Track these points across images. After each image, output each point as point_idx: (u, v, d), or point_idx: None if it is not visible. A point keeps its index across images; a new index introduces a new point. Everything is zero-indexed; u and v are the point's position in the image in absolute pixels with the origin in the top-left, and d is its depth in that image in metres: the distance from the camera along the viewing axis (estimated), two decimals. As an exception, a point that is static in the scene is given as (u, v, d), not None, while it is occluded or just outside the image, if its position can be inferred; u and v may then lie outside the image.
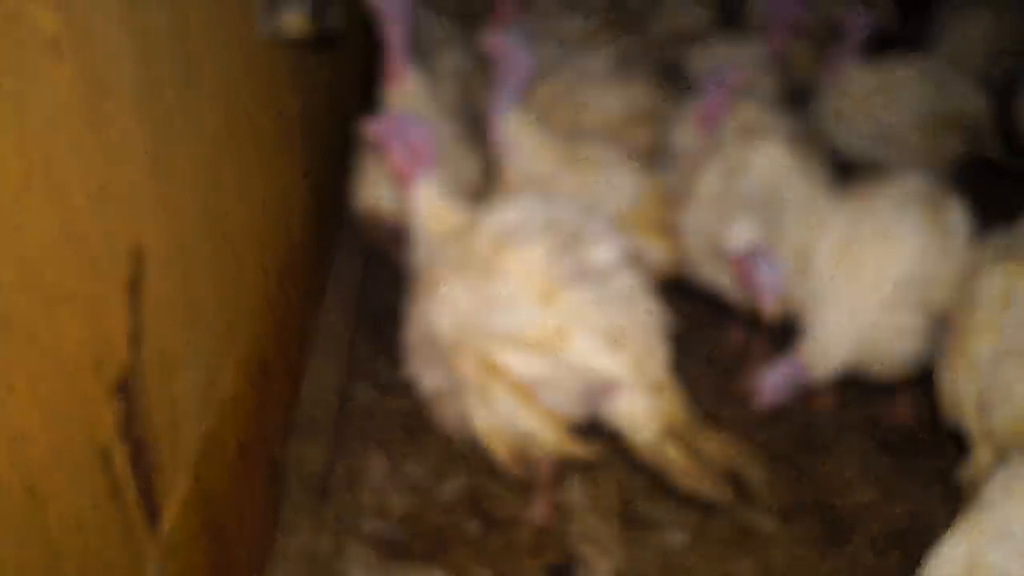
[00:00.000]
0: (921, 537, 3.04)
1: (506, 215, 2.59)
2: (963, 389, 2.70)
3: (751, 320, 3.50)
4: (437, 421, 2.83)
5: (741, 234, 3.03)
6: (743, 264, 3.02)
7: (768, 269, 2.96)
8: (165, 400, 1.86)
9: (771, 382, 3.04)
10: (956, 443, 3.45)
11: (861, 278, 3.05)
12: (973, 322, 2.72)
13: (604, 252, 2.51)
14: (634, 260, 2.60)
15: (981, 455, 2.64)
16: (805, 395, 3.72)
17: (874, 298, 3.03)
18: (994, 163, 4.62)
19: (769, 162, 3.25)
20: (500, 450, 2.60)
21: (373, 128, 2.86)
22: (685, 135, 3.83)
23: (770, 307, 2.97)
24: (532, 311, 2.43)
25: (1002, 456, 2.55)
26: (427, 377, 2.75)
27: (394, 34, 3.52)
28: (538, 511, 2.91)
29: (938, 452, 3.47)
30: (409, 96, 3.60)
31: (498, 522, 2.85)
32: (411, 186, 2.81)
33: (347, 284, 4.32)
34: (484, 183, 3.85)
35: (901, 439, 3.54)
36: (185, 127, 2.17)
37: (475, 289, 2.49)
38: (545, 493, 2.92)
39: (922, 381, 3.62)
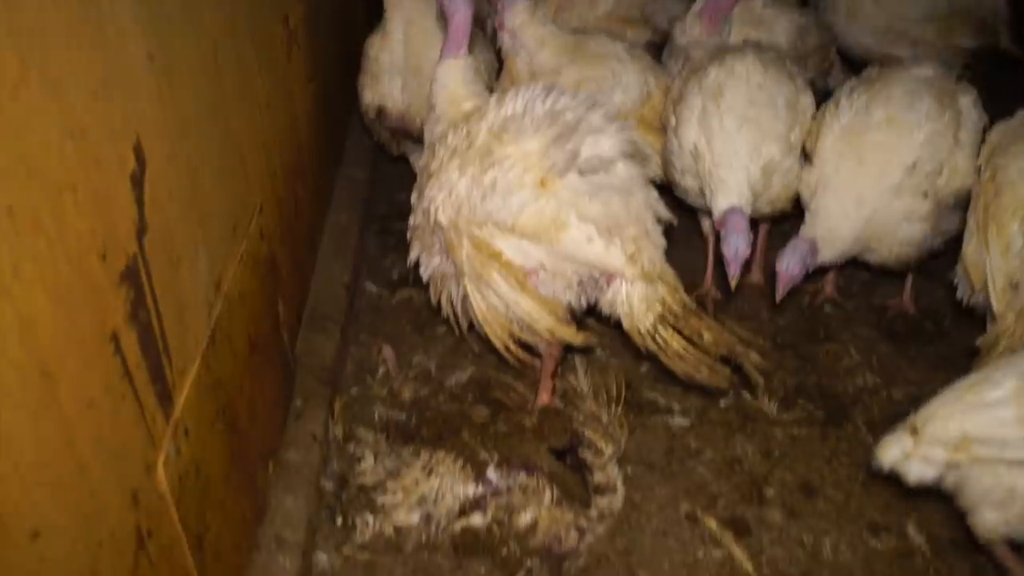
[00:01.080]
0: (920, 419, 3.12)
1: (508, 105, 2.60)
2: (995, 266, 2.73)
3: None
4: (437, 304, 2.91)
5: (723, 202, 3.06)
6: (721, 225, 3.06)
7: (737, 240, 2.96)
8: (172, 291, 1.93)
9: (787, 260, 3.09)
10: (960, 330, 3.53)
11: (869, 164, 3.06)
12: (1008, 201, 2.74)
13: (603, 142, 2.52)
14: (634, 151, 2.62)
15: (1006, 325, 2.68)
16: (812, 288, 3.79)
17: (882, 184, 3.04)
18: (1008, 57, 4.56)
19: (746, 81, 3.20)
20: (497, 335, 2.67)
21: None
22: (692, 31, 3.79)
23: (734, 274, 3.00)
24: (529, 199, 2.46)
25: None
26: (429, 263, 2.82)
27: None
28: (541, 396, 3.00)
29: (941, 339, 3.54)
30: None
31: (504, 408, 2.94)
32: (441, 62, 2.83)
33: (356, 184, 4.36)
34: (492, 78, 3.86)
35: (905, 327, 3.60)
36: (185, 27, 2.20)
37: (474, 176, 2.52)
38: (547, 379, 3.00)
39: (927, 271, 3.67)
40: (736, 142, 3.11)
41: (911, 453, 2.29)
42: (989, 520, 2.28)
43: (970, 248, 2.87)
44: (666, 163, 3.40)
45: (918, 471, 2.31)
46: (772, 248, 3.92)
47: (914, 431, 2.29)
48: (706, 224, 3.65)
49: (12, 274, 1.31)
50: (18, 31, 1.37)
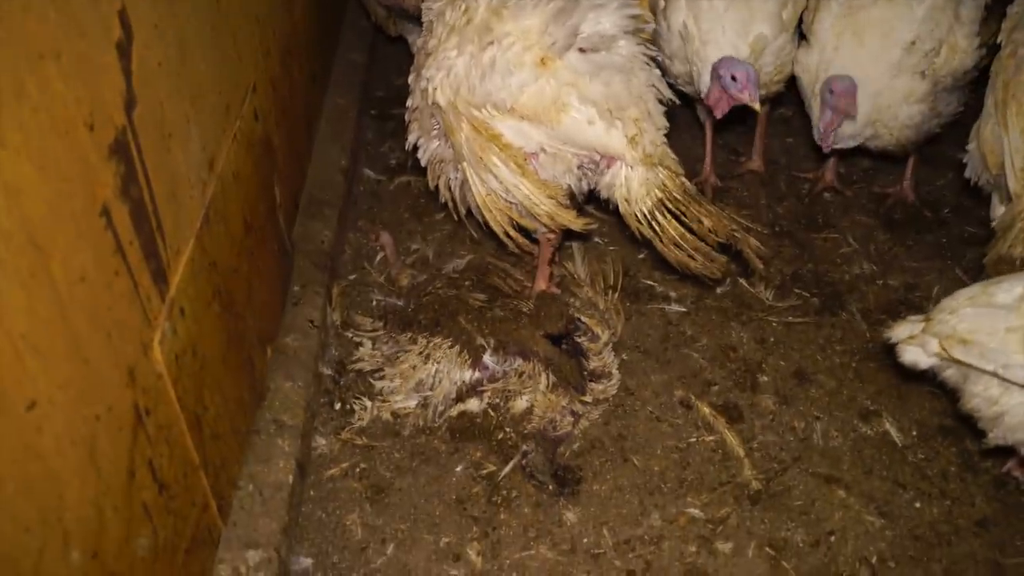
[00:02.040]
0: (915, 308, 3.12)
1: None
2: (1014, 146, 2.66)
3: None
4: (434, 188, 2.86)
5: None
6: (715, 87, 2.99)
7: (741, 66, 2.89)
8: (164, 167, 1.88)
9: (825, 124, 3.09)
10: (959, 219, 3.50)
11: (869, 42, 2.99)
12: None
13: (605, 19, 2.43)
14: (637, 28, 2.53)
15: (1023, 204, 2.63)
16: (813, 175, 3.74)
17: (883, 62, 2.97)
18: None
19: None
20: (496, 220, 2.63)
21: None
22: None
23: (757, 103, 2.93)
24: (528, 79, 2.39)
25: None
26: (427, 147, 2.76)
27: None
28: (538, 283, 2.98)
29: (939, 228, 3.51)
30: None
31: (502, 294, 2.91)
32: None
33: (353, 68, 4.25)
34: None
35: (904, 215, 3.56)
36: None
37: (473, 54, 2.44)
38: (544, 265, 2.98)
39: (928, 159, 3.62)
40: (724, 20, 3.07)
41: (915, 337, 2.28)
42: (987, 434, 2.29)
43: (987, 129, 2.80)
44: (656, 48, 3.29)
45: (911, 356, 2.30)
46: (772, 136, 3.87)
47: (927, 318, 2.28)
48: (702, 112, 3.57)
49: (-3, 142, 1.27)
50: None
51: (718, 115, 3.05)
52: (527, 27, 2.39)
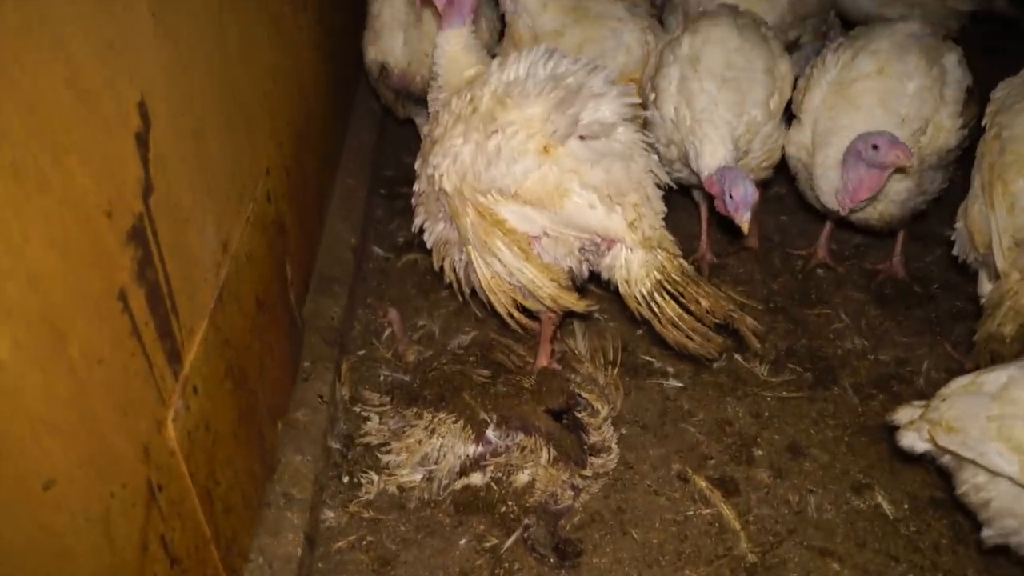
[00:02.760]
0: (905, 382, 3.12)
1: (510, 69, 2.55)
2: (1001, 225, 2.69)
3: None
4: (439, 269, 2.89)
5: (711, 161, 3.00)
6: (715, 184, 2.97)
7: (744, 184, 2.86)
8: (179, 251, 1.91)
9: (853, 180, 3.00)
10: (948, 294, 3.51)
11: (864, 108, 3.03)
12: (1013, 157, 2.70)
13: (604, 107, 2.48)
14: (635, 115, 2.58)
15: (1011, 284, 2.65)
16: (806, 251, 3.76)
17: (879, 126, 2.98)
18: (1004, 18, 4.50)
19: (722, 46, 3.16)
20: (500, 302, 2.65)
21: None
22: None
23: (746, 219, 2.89)
24: (532, 166, 2.43)
25: None
26: (433, 229, 2.80)
27: None
28: (540, 359, 2.99)
29: (929, 303, 3.52)
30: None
31: (505, 370, 2.92)
32: (441, 32, 2.74)
33: (363, 149, 4.32)
34: (495, 40, 3.81)
35: (895, 291, 3.57)
36: (188, -10, 2.16)
37: (478, 142, 2.49)
38: (546, 343, 2.99)
39: (916, 236, 3.65)
40: (717, 99, 3.08)
41: (913, 423, 2.29)
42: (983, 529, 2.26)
43: (974, 209, 2.83)
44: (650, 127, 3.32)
45: (909, 441, 2.32)
46: (766, 213, 3.91)
47: (926, 404, 2.28)
48: (697, 192, 3.60)
49: (20, 232, 1.30)
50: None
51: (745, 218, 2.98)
52: (530, 116, 2.44)
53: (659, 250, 2.55)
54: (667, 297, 2.56)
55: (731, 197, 2.86)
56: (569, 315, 3.11)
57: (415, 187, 2.81)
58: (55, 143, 1.40)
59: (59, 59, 1.44)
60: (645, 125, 3.18)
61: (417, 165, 2.78)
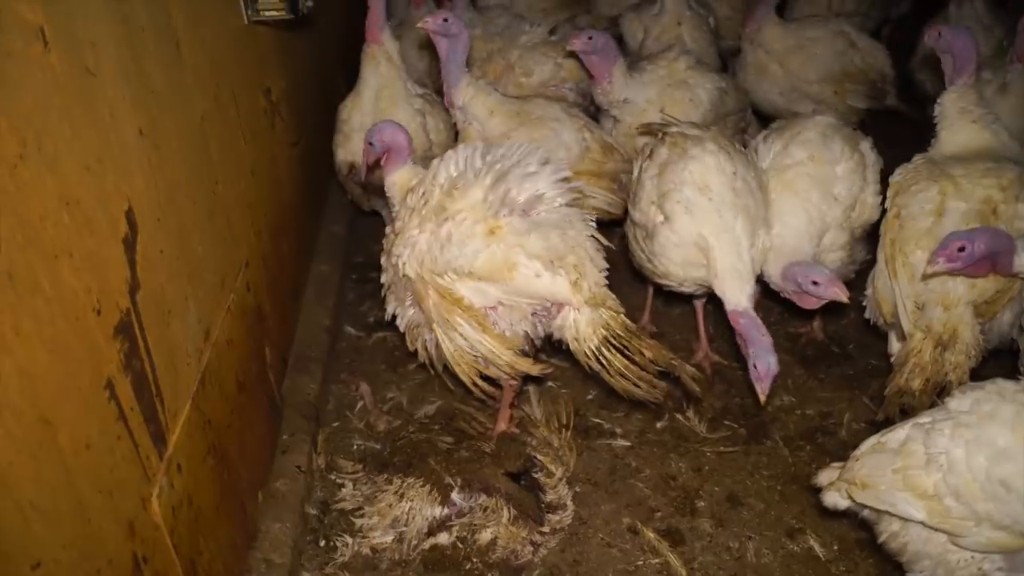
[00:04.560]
0: (830, 434, 3.16)
1: (451, 164, 2.65)
2: (904, 292, 2.75)
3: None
4: (413, 351, 2.89)
5: (734, 301, 2.85)
6: (739, 324, 2.85)
7: (769, 357, 2.78)
8: (164, 341, 1.91)
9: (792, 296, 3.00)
10: (862, 353, 3.57)
11: (803, 191, 3.04)
12: (911, 232, 2.77)
13: (538, 182, 2.56)
14: (568, 189, 2.64)
15: (915, 343, 2.70)
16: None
17: (817, 206, 3.04)
18: (896, 113, 4.67)
19: (720, 171, 2.95)
20: (465, 372, 2.67)
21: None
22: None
23: (766, 391, 2.81)
24: (481, 246, 2.49)
25: (938, 344, 2.67)
26: (404, 315, 2.82)
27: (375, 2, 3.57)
28: (499, 424, 2.99)
29: (846, 362, 3.57)
30: (383, 56, 3.62)
31: (467, 436, 2.91)
32: (388, 176, 2.90)
33: (335, 238, 4.34)
34: (451, 139, 3.87)
35: (816, 352, 3.62)
36: (173, 105, 2.19)
37: (433, 230, 2.55)
38: (506, 408, 3.00)
39: (833, 304, 3.70)
40: (736, 231, 2.88)
41: (833, 484, 2.31)
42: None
43: (879, 282, 2.89)
44: (649, 255, 3.10)
45: (832, 500, 2.34)
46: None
47: (844, 465, 2.31)
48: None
49: (13, 332, 1.30)
50: (17, 112, 1.37)
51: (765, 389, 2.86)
52: (474, 201, 2.52)
53: (603, 308, 2.59)
54: (614, 351, 2.59)
55: (755, 367, 2.79)
56: (526, 382, 3.13)
57: (383, 279, 2.85)
58: (47, 250, 1.41)
59: (52, 176, 1.46)
60: (646, 244, 3.09)
61: (383, 261, 2.82)
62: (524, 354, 2.71)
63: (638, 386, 2.62)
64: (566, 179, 2.63)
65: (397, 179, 2.88)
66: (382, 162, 2.92)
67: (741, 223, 2.89)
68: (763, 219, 2.99)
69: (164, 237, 2.00)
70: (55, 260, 1.44)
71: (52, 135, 1.47)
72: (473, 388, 2.73)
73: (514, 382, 2.92)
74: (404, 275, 2.62)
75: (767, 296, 3.54)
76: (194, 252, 2.22)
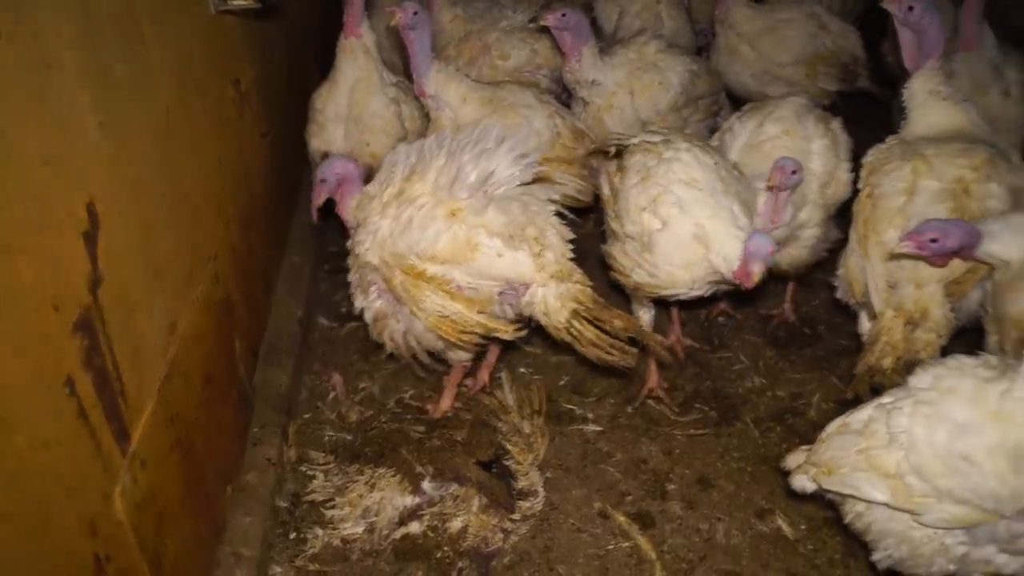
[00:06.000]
0: (799, 414, 3.20)
1: (412, 153, 2.68)
2: (876, 271, 2.78)
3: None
4: (383, 342, 2.91)
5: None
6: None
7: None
8: (127, 336, 1.91)
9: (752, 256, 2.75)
10: (833, 334, 3.61)
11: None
12: (883, 212, 2.80)
13: (495, 160, 2.58)
14: (527, 166, 2.65)
15: (886, 321, 2.74)
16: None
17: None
18: (867, 95, 4.70)
19: (700, 164, 2.88)
20: (450, 333, 2.67)
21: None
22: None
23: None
24: (442, 228, 2.51)
25: (908, 322, 2.71)
26: (371, 307, 2.83)
27: None
28: (443, 402, 3.07)
29: (817, 343, 3.61)
30: (361, 49, 3.60)
31: (439, 425, 2.93)
32: (344, 207, 2.93)
33: (308, 229, 4.32)
34: (426, 126, 3.87)
35: (786, 333, 3.66)
36: (136, 98, 2.18)
37: (394, 216, 2.57)
38: (452, 387, 3.08)
39: (804, 284, 3.75)
40: (733, 211, 2.79)
41: (801, 467, 2.35)
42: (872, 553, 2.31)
43: (851, 261, 2.92)
44: (651, 268, 2.90)
45: (799, 483, 2.37)
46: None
47: (811, 448, 2.34)
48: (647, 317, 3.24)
49: (-35, 332, 1.30)
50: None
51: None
52: (432, 184, 2.55)
53: (570, 282, 2.61)
54: (584, 322, 2.63)
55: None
56: (497, 369, 3.16)
57: (349, 278, 2.88)
58: (2, 246, 1.41)
59: (7, 170, 1.45)
60: (641, 258, 2.93)
61: (349, 260, 2.86)
62: (496, 316, 2.73)
63: (611, 354, 2.66)
64: (523, 155, 2.64)
65: (352, 205, 2.88)
66: (336, 196, 2.94)
67: (737, 206, 2.81)
68: (755, 205, 2.93)
69: (127, 231, 1.99)
70: (9, 255, 1.43)
71: (8, 129, 1.47)
72: (466, 345, 2.76)
73: (467, 364, 2.97)
74: (367, 262, 2.64)
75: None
76: (159, 245, 2.21)
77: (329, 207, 3.00)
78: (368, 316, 2.87)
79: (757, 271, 2.64)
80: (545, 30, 3.79)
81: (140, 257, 2.06)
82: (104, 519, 1.70)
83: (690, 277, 2.84)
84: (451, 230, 2.52)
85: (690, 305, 3.02)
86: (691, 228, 2.78)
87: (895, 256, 2.69)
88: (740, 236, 2.70)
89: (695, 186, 2.82)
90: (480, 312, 2.64)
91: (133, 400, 1.91)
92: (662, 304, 3.29)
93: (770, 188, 2.85)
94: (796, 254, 3.25)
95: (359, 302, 2.87)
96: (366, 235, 2.62)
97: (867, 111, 4.53)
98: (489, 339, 2.84)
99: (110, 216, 1.89)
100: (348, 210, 2.90)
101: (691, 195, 2.80)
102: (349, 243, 2.85)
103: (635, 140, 3.08)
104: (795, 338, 3.65)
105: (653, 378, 3.28)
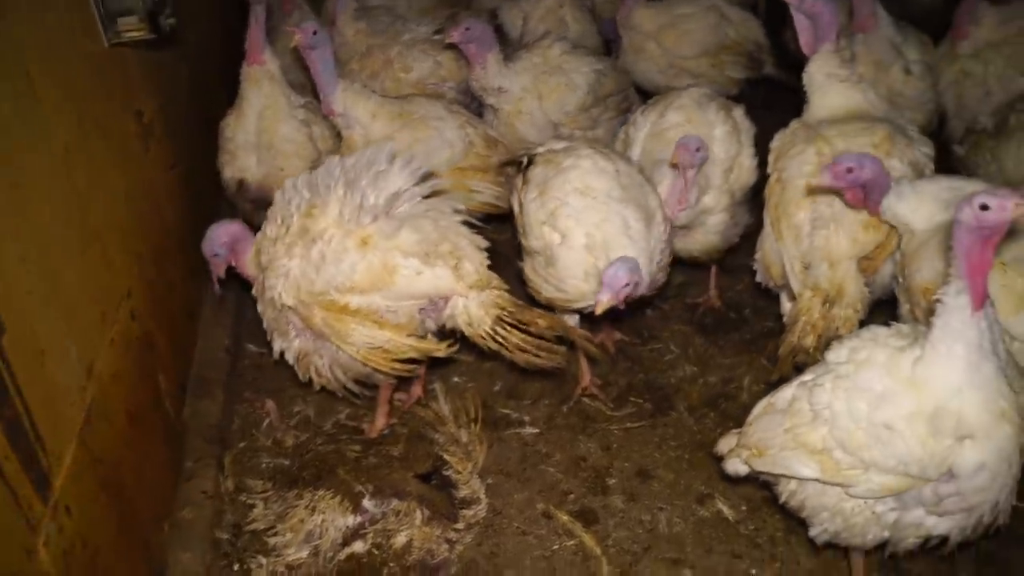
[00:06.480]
0: (732, 398, 3.26)
1: (302, 187, 2.65)
2: (791, 254, 2.85)
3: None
4: (307, 380, 2.90)
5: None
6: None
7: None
8: (38, 383, 1.86)
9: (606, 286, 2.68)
10: (758, 317, 3.69)
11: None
12: (792, 195, 2.87)
13: (393, 180, 2.59)
14: (424, 175, 2.67)
15: (804, 301, 2.81)
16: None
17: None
18: (775, 81, 4.82)
19: (581, 173, 2.87)
20: (383, 363, 2.67)
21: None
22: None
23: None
24: (357, 259, 2.50)
25: (826, 300, 2.78)
26: (290, 347, 2.81)
27: (256, 17, 3.53)
28: (378, 420, 3.05)
29: (744, 327, 3.69)
30: (265, 76, 3.57)
31: (375, 443, 2.91)
32: (242, 266, 2.93)
33: (230, 256, 4.27)
34: (338, 145, 3.84)
35: (714, 320, 3.74)
36: (30, 138, 2.13)
37: (302, 255, 2.55)
38: (384, 404, 3.06)
39: (727, 270, 3.82)
40: (626, 217, 2.79)
41: (733, 451, 2.39)
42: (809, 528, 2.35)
43: (767, 245, 3.00)
44: (557, 282, 2.88)
45: (732, 467, 2.43)
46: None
47: (741, 431, 2.39)
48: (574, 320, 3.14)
49: None
50: None
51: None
52: (336, 216, 2.54)
53: (490, 289, 2.63)
54: (508, 327, 2.65)
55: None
56: (430, 380, 3.15)
57: (264, 324, 2.86)
58: None
59: None
60: (549, 271, 2.88)
61: (259, 306, 2.84)
62: (424, 337, 2.74)
63: (539, 356, 2.69)
64: (417, 168, 2.65)
65: (251, 256, 2.86)
66: (232, 261, 2.93)
67: (632, 211, 2.78)
68: (658, 213, 2.89)
69: (30, 276, 1.94)
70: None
71: None
72: (397, 372, 2.74)
73: (394, 381, 2.96)
74: (282, 305, 2.61)
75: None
76: (67, 288, 2.16)
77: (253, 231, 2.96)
78: (290, 356, 2.85)
79: (605, 300, 2.57)
80: (451, 45, 3.80)
81: (47, 301, 2.01)
82: (28, 573, 1.65)
83: (593, 289, 2.75)
84: (366, 258, 2.52)
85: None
86: (583, 238, 2.77)
87: (812, 191, 2.76)
88: (627, 245, 2.72)
89: (589, 194, 2.82)
90: (410, 335, 2.64)
91: (51, 446, 1.86)
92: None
93: (674, 166, 2.93)
94: (706, 240, 3.32)
95: (278, 345, 2.85)
96: (276, 278, 2.60)
97: (776, 97, 4.65)
98: (421, 361, 2.85)
99: (9, 263, 1.84)
100: (248, 264, 2.88)
101: (584, 203, 2.80)
102: (255, 290, 2.83)
103: (541, 150, 3.11)
104: (722, 324, 3.72)
105: (586, 376, 3.31)
